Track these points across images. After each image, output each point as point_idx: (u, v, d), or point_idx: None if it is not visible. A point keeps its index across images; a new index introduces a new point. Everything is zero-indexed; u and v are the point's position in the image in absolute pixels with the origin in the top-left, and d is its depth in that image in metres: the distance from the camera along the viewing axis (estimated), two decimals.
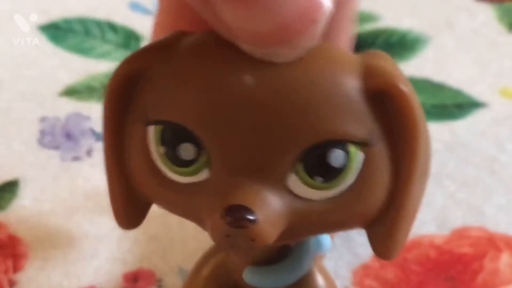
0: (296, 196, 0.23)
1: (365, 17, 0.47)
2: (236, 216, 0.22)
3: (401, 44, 0.45)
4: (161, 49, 0.24)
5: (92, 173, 0.37)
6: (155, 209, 0.25)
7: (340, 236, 0.33)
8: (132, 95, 0.24)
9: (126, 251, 0.34)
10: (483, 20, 0.47)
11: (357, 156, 0.22)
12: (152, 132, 0.23)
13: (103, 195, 0.27)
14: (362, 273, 0.33)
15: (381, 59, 0.23)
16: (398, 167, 0.23)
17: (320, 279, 0.28)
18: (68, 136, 0.39)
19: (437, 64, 0.44)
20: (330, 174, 0.22)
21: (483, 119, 0.41)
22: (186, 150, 0.23)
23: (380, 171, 0.23)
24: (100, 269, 0.33)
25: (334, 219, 0.23)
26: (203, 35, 0.24)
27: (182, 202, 0.24)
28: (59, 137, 0.39)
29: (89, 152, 0.38)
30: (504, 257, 0.34)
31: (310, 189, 0.22)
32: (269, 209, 0.22)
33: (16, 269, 0.34)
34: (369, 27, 0.46)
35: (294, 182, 0.22)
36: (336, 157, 0.22)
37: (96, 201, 0.36)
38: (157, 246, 0.34)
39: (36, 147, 0.39)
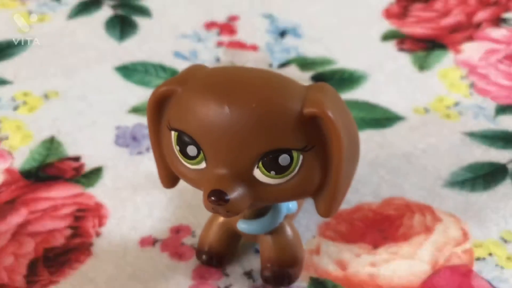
0: (259, 182, 0.24)
1: (326, 62, 0.47)
2: (215, 198, 0.23)
3: (350, 79, 0.46)
4: (182, 79, 0.24)
5: (150, 163, 0.38)
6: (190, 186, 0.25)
7: (311, 204, 0.33)
8: (164, 108, 0.25)
9: (171, 213, 0.34)
10: (402, 63, 0.47)
11: (298, 157, 0.24)
12: (172, 135, 0.24)
13: (157, 178, 0.27)
14: (324, 227, 0.34)
15: (321, 91, 0.24)
16: (330, 161, 0.24)
17: (288, 230, 0.29)
18: (134, 138, 0.40)
19: (373, 92, 0.44)
20: (280, 170, 0.24)
21: (403, 128, 0.41)
22: (191, 150, 0.24)
23: (314, 166, 0.25)
24: (155, 224, 0.33)
25: (286, 194, 0.24)
26: (209, 72, 0.24)
27: (193, 179, 0.25)
28: (128, 139, 0.39)
29: (148, 149, 0.39)
30: (416, 217, 0.34)
31: (268, 178, 0.24)
32: (239, 192, 0.24)
33: (100, 224, 0.34)
34: (328, 68, 0.46)
35: (258, 174, 0.24)
36: (284, 159, 0.24)
37: (152, 181, 0.36)
38: (192, 210, 0.35)
39: (113, 146, 0.39)
